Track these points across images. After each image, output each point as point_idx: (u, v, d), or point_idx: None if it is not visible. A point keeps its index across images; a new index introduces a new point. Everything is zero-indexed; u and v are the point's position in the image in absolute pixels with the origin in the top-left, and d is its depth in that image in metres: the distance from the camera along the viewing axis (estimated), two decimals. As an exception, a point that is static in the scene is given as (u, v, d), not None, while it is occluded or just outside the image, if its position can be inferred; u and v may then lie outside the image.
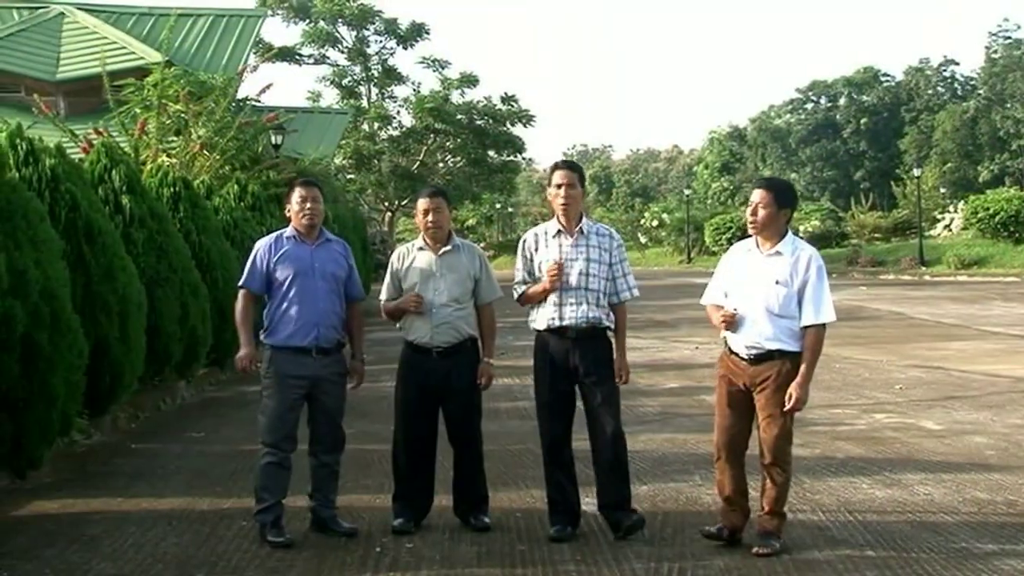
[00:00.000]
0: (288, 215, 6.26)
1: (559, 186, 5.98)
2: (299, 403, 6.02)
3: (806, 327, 5.49)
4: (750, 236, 5.79)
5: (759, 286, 5.55)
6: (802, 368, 5.45)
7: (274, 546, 5.75)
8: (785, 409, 5.44)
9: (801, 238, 5.81)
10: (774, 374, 5.49)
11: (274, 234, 6.28)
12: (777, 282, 5.50)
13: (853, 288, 29.86)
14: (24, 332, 7.01)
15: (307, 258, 6.07)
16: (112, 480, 7.66)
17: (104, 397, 8.77)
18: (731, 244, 6.12)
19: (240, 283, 6.20)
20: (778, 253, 5.57)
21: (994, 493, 6.82)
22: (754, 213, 5.60)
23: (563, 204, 5.96)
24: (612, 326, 6.01)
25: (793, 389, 5.41)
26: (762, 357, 5.52)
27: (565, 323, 5.87)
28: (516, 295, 6.12)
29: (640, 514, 5.87)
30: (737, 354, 5.62)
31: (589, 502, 6.07)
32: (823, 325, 5.50)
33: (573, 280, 5.89)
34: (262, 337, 6.11)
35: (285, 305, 6.00)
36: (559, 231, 5.99)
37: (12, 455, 7.14)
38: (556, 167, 6.13)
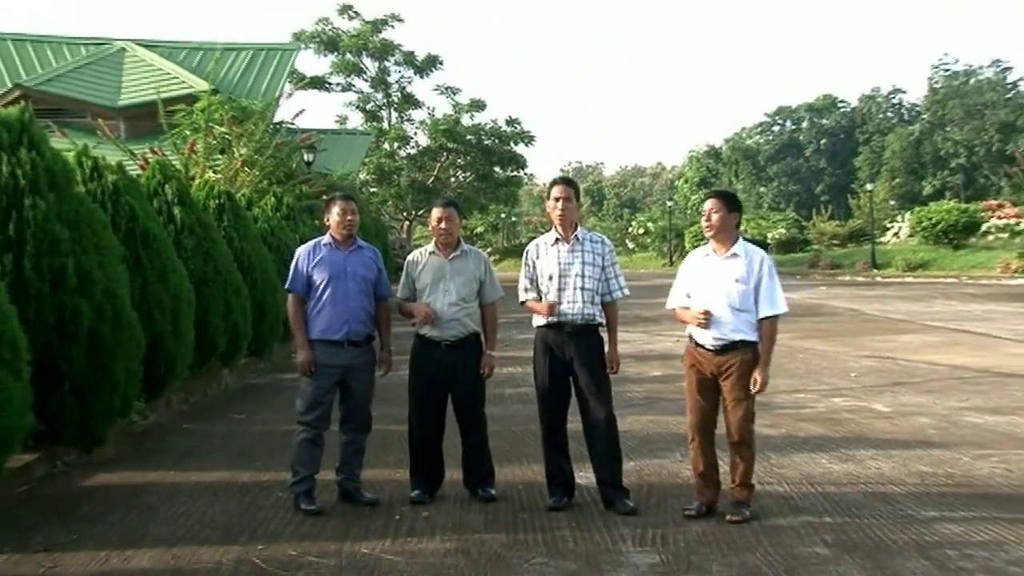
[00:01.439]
0: (327, 224, 6.27)
1: (557, 199, 5.99)
2: (333, 388, 6.04)
3: (762, 318, 5.59)
4: (702, 246, 5.90)
5: (721, 285, 5.62)
6: (762, 355, 5.58)
7: (307, 514, 5.80)
8: (753, 392, 5.53)
9: (748, 241, 5.85)
10: (738, 362, 5.57)
11: (312, 241, 6.29)
12: (737, 280, 5.59)
13: (814, 288, 29.82)
14: (90, 326, 7.06)
15: (340, 263, 6.09)
16: (166, 456, 7.70)
17: (159, 383, 8.83)
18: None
19: (287, 287, 6.21)
20: (734, 255, 5.65)
21: (935, 467, 6.85)
22: (708, 219, 5.69)
23: (560, 215, 5.98)
24: (604, 322, 6.03)
25: (757, 374, 5.53)
26: (727, 348, 5.59)
27: (562, 319, 5.89)
28: (520, 299, 6.12)
29: (633, 504, 5.81)
30: (703, 346, 5.67)
31: (582, 476, 6.10)
32: (776, 316, 5.61)
33: (570, 281, 5.90)
34: None
35: (321, 304, 6.03)
36: (557, 239, 6.01)
37: (80, 434, 7.21)
38: (554, 183, 6.14)
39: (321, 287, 6.03)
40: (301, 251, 6.23)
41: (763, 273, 5.61)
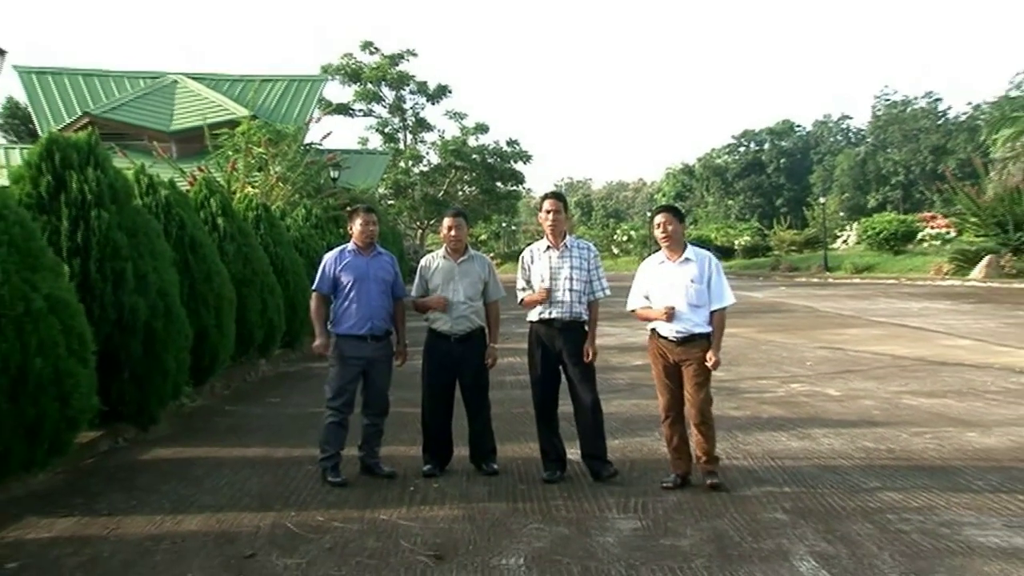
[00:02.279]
0: (351, 232, 6.26)
1: (548, 212, 5.99)
2: (357, 377, 6.04)
3: (714, 310, 5.66)
4: (656, 253, 5.92)
5: (679, 287, 5.66)
6: (714, 341, 5.64)
7: (333, 485, 5.81)
8: (710, 366, 5.60)
9: (695, 245, 5.87)
10: (696, 351, 5.61)
11: (338, 248, 6.27)
12: (692, 281, 5.65)
13: (775, 288, 29.81)
14: (145, 321, 7.07)
15: (364, 267, 6.08)
16: (211, 434, 7.70)
17: (204, 371, 8.84)
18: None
19: (313, 287, 6.19)
20: (688, 260, 5.72)
21: (878, 443, 6.86)
22: (664, 230, 5.74)
23: (551, 225, 5.98)
24: (588, 318, 5.99)
25: (712, 356, 5.59)
26: (687, 339, 5.63)
27: (552, 316, 5.88)
28: (518, 298, 6.12)
29: (614, 468, 5.86)
30: (666, 338, 5.69)
31: (572, 452, 6.08)
32: (725, 307, 5.69)
33: (559, 283, 5.89)
34: (329, 327, 6.13)
35: (347, 303, 6.02)
36: (548, 246, 6.00)
37: (137, 414, 7.24)
38: (546, 197, 6.14)
39: (347, 288, 6.02)
40: (328, 257, 6.21)
41: (712, 272, 5.69)
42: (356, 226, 6.17)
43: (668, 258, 5.76)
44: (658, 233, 5.74)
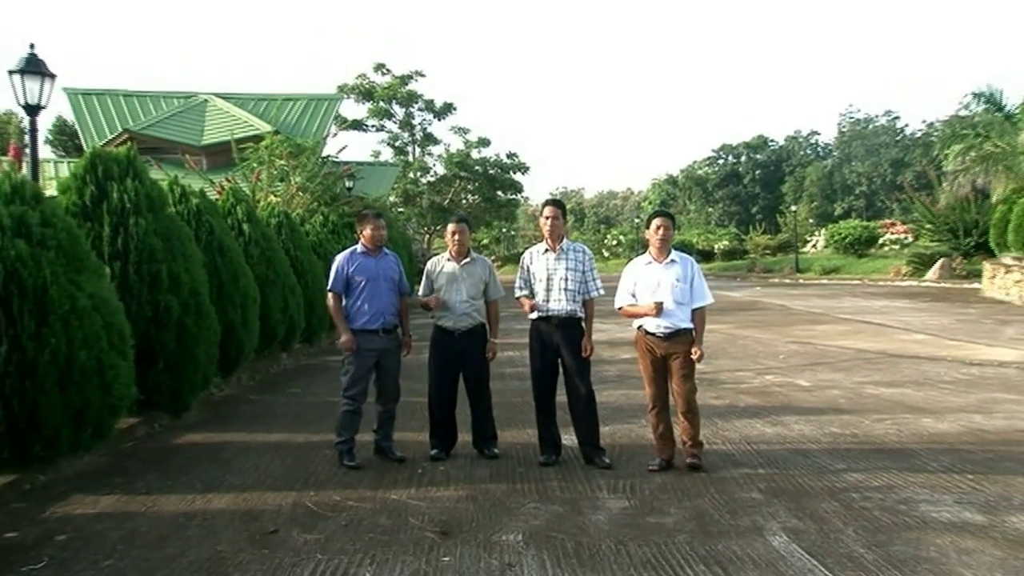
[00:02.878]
0: (359, 236, 6.22)
1: (547, 217, 5.96)
2: (371, 368, 6.01)
3: (695, 308, 5.65)
4: (642, 255, 5.90)
5: (666, 286, 5.64)
6: (697, 336, 5.64)
7: (348, 468, 5.79)
8: (695, 359, 5.58)
9: (677, 249, 5.87)
10: (681, 345, 5.59)
11: (348, 250, 6.21)
12: (677, 280, 5.63)
13: (751, 288, 29.80)
14: (178, 318, 7.07)
15: (373, 268, 6.04)
16: (238, 421, 7.68)
17: (231, 363, 8.82)
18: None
19: (329, 287, 6.11)
20: (673, 262, 5.70)
21: (844, 428, 6.86)
22: (663, 234, 5.70)
23: (550, 230, 5.94)
24: (583, 316, 5.97)
25: (696, 349, 5.58)
26: (673, 334, 5.61)
27: (551, 313, 5.86)
28: (516, 295, 6.10)
29: (609, 460, 5.78)
30: (653, 334, 5.66)
31: (567, 438, 6.08)
32: (705, 306, 5.70)
33: (556, 283, 5.86)
34: None
35: (360, 301, 5.99)
36: (546, 249, 5.97)
37: (171, 402, 7.24)
38: (546, 203, 6.11)
39: (360, 287, 5.98)
40: (340, 258, 6.14)
41: (694, 274, 5.69)
42: (367, 231, 6.12)
43: (655, 259, 5.73)
44: (656, 235, 5.70)
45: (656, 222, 5.76)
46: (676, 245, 6.04)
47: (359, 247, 6.15)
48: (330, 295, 6.11)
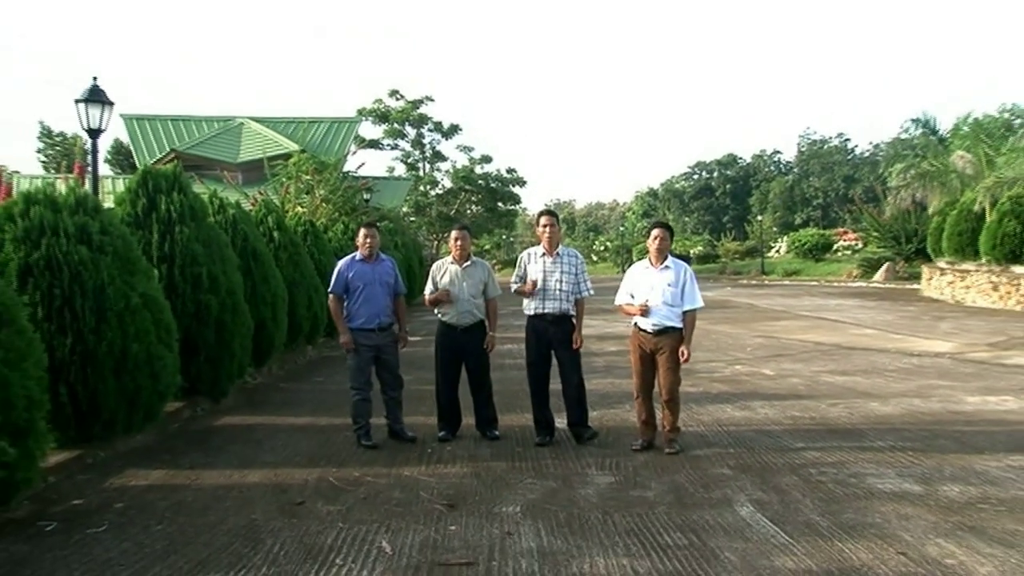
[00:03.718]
0: (357, 243, 6.16)
1: (544, 226, 5.94)
2: (371, 361, 5.96)
3: (686, 311, 5.57)
4: (641, 260, 5.82)
5: (659, 288, 5.58)
6: (686, 336, 5.56)
7: (365, 447, 5.77)
8: (683, 361, 5.52)
9: (675, 257, 5.80)
10: (669, 342, 5.53)
11: (348, 257, 6.15)
12: (669, 284, 5.56)
13: (722, 288, 29.71)
14: (217, 315, 7.03)
15: (370, 273, 6.00)
16: (269, 406, 7.65)
17: (263, 355, 8.76)
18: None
19: (330, 290, 6.06)
20: (667, 267, 5.63)
21: (803, 412, 6.85)
22: (657, 243, 5.63)
23: (548, 236, 5.91)
24: (575, 313, 5.94)
25: (684, 348, 5.52)
26: (662, 331, 5.55)
27: (545, 311, 5.83)
28: (512, 289, 6.05)
29: (594, 429, 5.84)
30: (645, 330, 5.61)
31: (560, 421, 6.05)
32: (696, 309, 5.61)
33: (551, 284, 5.83)
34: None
35: (358, 304, 5.95)
36: (543, 253, 5.93)
37: (211, 389, 7.21)
38: (542, 213, 6.07)
39: (358, 291, 5.94)
40: (341, 263, 6.09)
41: (687, 279, 5.60)
42: (359, 238, 6.07)
43: (653, 264, 5.66)
44: (653, 244, 5.63)
45: (654, 232, 5.71)
46: (674, 253, 6.00)
47: (358, 254, 6.08)
48: (331, 296, 6.06)
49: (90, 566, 3.61)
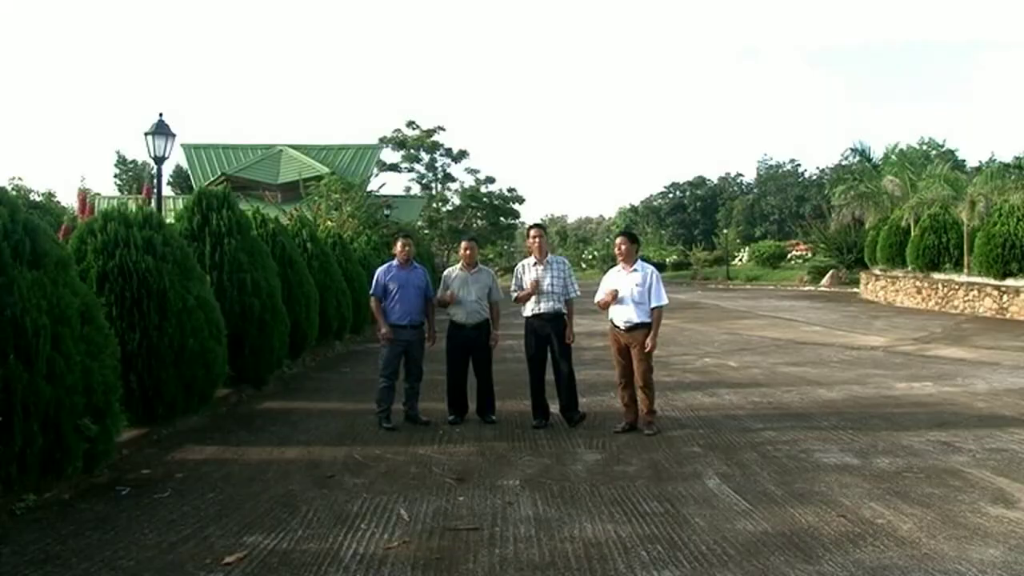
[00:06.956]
0: (394, 252, 6.19)
1: (534, 237, 5.97)
2: (400, 354, 5.97)
3: (653, 308, 5.55)
4: (616, 265, 5.81)
5: (628, 288, 5.57)
6: (652, 329, 5.54)
7: (386, 429, 5.75)
8: (646, 351, 5.49)
9: (645, 261, 5.79)
10: (639, 336, 5.52)
11: (386, 264, 6.19)
12: (637, 285, 5.55)
13: (694, 292, 29.68)
14: (259, 315, 7.02)
15: (405, 277, 6.02)
16: (303, 393, 7.63)
17: (298, 349, 8.76)
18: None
19: (371, 293, 6.10)
20: (635, 270, 5.62)
21: (763, 398, 6.85)
22: (619, 249, 5.68)
23: (538, 247, 5.93)
24: (567, 312, 5.93)
25: (649, 341, 5.50)
26: (633, 327, 5.55)
27: (541, 311, 5.83)
28: (513, 297, 6.05)
29: (584, 412, 5.83)
30: (619, 327, 5.62)
31: (554, 407, 6.02)
32: (661, 306, 5.58)
33: (544, 288, 5.83)
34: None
35: (394, 303, 5.96)
36: (535, 262, 5.94)
37: (254, 378, 7.21)
38: (531, 227, 6.12)
39: (394, 293, 5.96)
40: (380, 270, 6.13)
41: (652, 280, 5.59)
42: (397, 247, 6.10)
43: (623, 268, 5.68)
44: (616, 250, 5.68)
45: (617, 241, 5.77)
46: (644, 258, 5.99)
47: (394, 261, 6.12)
48: (372, 298, 6.09)
49: (157, 525, 3.65)
